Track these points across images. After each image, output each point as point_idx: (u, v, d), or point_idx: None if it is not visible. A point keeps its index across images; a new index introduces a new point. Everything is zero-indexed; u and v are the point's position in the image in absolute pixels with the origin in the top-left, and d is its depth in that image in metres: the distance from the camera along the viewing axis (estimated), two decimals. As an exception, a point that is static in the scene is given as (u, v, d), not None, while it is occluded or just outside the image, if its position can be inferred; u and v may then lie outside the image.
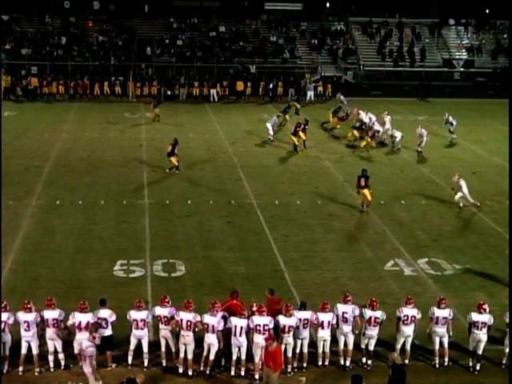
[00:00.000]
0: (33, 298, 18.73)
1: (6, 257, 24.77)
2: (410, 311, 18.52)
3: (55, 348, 17.99)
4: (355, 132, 43.82)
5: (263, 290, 19.94)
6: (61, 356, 18.06)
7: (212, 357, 18.03)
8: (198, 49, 68.65)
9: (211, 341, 17.95)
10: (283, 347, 17.80)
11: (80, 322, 17.84)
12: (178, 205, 31.57)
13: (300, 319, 18.18)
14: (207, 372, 18.01)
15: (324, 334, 18.41)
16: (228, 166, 38.23)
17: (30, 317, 17.78)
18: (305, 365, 18.35)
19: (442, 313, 18.58)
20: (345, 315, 18.45)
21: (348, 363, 18.55)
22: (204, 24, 72.43)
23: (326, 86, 63.46)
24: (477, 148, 43.82)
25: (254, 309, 18.16)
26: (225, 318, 18.10)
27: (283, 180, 35.60)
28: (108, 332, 18.13)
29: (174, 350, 18.31)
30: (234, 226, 29.25)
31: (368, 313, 18.44)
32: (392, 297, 22.12)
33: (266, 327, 17.71)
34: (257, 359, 17.84)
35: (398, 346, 18.65)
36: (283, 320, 17.98)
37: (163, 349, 18.36)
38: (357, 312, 18.49)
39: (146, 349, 18.30)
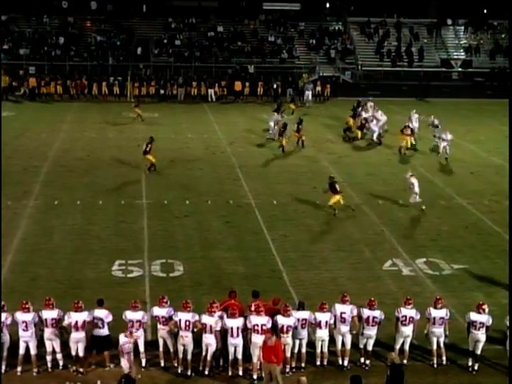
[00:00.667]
0: (31, 298, 18.73)
1: (4, 256, 24.77)
2: (408, 312, 18.51)
3: (53, 348, 17.98)
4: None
5: (262, 290, 19.91)
6: (59, 356, 18.05)
7: (209, 357, 18.04)
8: (196, 49, 68.68)
9: (209, 341, 17.95)
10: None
11: (76, 322, 17.83)
12: (177, 205, 31.56)
13: (298, 319, 18.19)
14: (206, 372, 18.01)
15: (322, 334, 18.42)
16: (226, 166, 38.22)
17: (28, 317, 17.76)
18: (303, 365, 18.34)
19: (438, 313, 18.59)
20: (343, 315, 18.44)
21: (346, 363, 18.55)
22: (202, 24, 72.45)
23: (325, 85, 63.51)
24: (475, 148, 43.82)
25: (252, 308, 18.19)
26: (222, 319, 18.11)
27: (281, 180, 35.61)
28: (105, 332, 18.12)
29: (172, 350, 18.31)
30: (232, 225, 29.24)
31: (366, 312, 18.45)
32: (390, 297, 22.13)
33: (264, 327, 17.71)
34: (255, 359, 17.84)
35: (397, 346, 18.64)
36: (281, 320, 17.97)
37: (161, 349, 18.36)
38: (355, 312, 18.48)
39: (142, 348, 18.30)
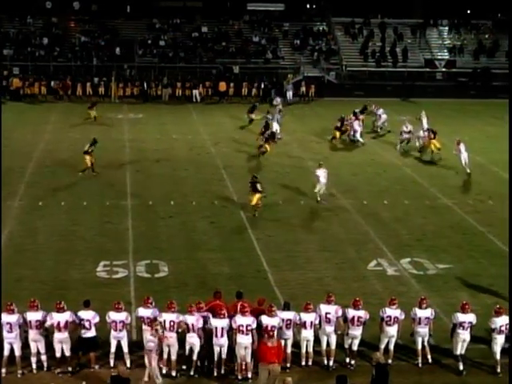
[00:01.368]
0: (16, 300, 18.64)
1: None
2: (393, 312, 18.55)
3: (38, 349, 17.93)
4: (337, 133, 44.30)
5: (247, 291, 19.93)
6: (43, 358, 18.00)
7: (195, 357, 18.05)
8: (181, 49, 68.53)
9: (193, 340, 17.97)
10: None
11: (58, 322, 17.80)
12: (162, 206, 31.53)
13: (283, 319, 18.19)
14: (191, 373, 18.02)
15: (307, 334, 18.44)
16: (211, 167, 38.19)
17: (13, 318, 17.70)
18: (288, 365, 18.33)
19: (423, 313, 18.65)
20: (328, 315, 18.47)
21: (331, 363, 18.58)
22: (187, 24, 72.28)
23: (309, 86, 63.48)
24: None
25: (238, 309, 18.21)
26: (205, 319, 18.10)
27: (266, 180, 35.48)
28: (91, 333, 18.09)
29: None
30: (217, 226, 29.24)
31: (351, 312, 18.48)
32: (375, 297, 22.18)
33: (249, 327, 17.72)
34: (239, 360, 17.85)
35: (382, 346, 18.69)
36: (266, 320, 17.97)
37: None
38: (340, 313, 18.51)
39: (126, 349, 18.31)
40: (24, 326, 17.87)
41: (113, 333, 18.15)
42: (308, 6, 78.92)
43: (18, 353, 17.83)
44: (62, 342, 17.86)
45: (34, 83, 60.45)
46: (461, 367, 18.45)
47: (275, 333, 17.81)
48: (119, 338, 18.14)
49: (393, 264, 25.46)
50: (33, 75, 61.97)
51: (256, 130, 43.79)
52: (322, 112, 55.42)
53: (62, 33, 69.50)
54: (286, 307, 18.68)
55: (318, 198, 32.04)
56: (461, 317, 18.46)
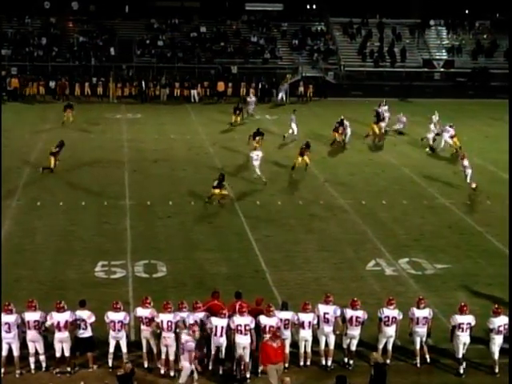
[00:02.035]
0: (14, 300, 18.63)
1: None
2: (390, 312, 18.56)
3: (36, 350, 17.93)
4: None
5: (245, 291, 19.91)
6: (42, 358, 18.00)
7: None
8: (179, 49, 68.59)
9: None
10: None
11: (58, 322, 17.80)
12: (160, 206, 31.53)
13: (281, 319, 18.19)
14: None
15: (305, 335, 18.44)
16: (209, 167, 38.13)
17: (11, 318, 17.69)
18: (287, 365, 18.28)
19: (421, 313, 18.64)
20: (326, 316, 18.47)
21: (330, 363, 18.59)
22: (185, 24, 72.36)
23: (307, 86, 63.46)
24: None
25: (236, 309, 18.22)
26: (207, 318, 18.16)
27: (264, 180, 35.56)
28: (88, 333, 18.09)
29: (155, 351, 18.30)
30: (215, 226, 29.25)
31: (349, 313, 18.48)
32: (373, 297, 22.18)
33: (248, 327, 17.73)
34: (238, 360, 17.85)
35: (380, 346, 18.69)
36: (264, 320, 17.99)
37: (145, 350, 18.37)
38: (338, 312, 18.51)
39: (124, 349, 18.31)
40: (22, 327, 17.86)
41: (111, 333, 18.14)
42: (307, 6, 78.86)
43: (16, 353, 17.82)
44: (62, 342, 17.87)
45: (32, 83, 60.41)
46: (461, 371, 18.43)
47: (280, 333, 17.84)
48: (118, 338, 18.14)
49: (391, 264, 25.47)
50: (31, 75, 61.94)
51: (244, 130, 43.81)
52: (320, 112, 55.39)
53: (60, 33, 69.53)
54: (284, 307, 18.68)
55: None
56: (459, 318, 18.42)
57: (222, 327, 17.88)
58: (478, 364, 18.81)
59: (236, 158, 40.15)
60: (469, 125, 51.58)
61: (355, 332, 18.54)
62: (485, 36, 74.28)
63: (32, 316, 17.83)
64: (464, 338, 18.38)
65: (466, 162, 34.79)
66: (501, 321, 18.36)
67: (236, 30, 72.47)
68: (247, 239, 27.76)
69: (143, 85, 61.56)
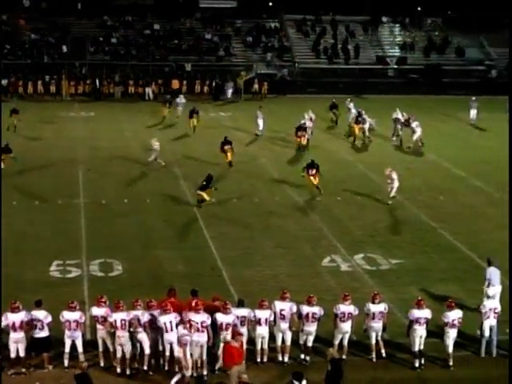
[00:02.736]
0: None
1: None
2: (346, 308, 18.67)
3: None
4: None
5: (202, 289, 19.89)
6: None
7: (147, 351, 18.04)
8: (133, 47, 68.15)
9: (139, 336, 18.01)
10: (221, 345, 17.83)
11: (14, 323, 17.66)
12: (115, 204, 31.38)
13: (238, 316, 18.23)
14: (144, 367, 18.05)
15: (262, 331, 18.49)
16: (163, 165, 37.88)
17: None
18: (243, 362, 18.38)
19: (377, 308, 18.79)
20: (282, 312, 18.53)
21: (286, 359, 18.67)
22: (138, 22, 71.90)
23: (262, 83, 63.59)
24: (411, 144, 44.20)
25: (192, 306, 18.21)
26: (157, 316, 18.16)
27: (220, 178, 35.50)
28: (44, 333, 17.96)
29: (111, 349, 18.23)
30: (171, 224, 29.18)
31: (305, 309, 18.56)
32: (330, 293, 22.28)
33: (204, 324, 17.75)
34: (195, 356, 17.85)
35: (336, 342, 18.81)
36: (221, 317, 18.01)
37: (101, 349, 18.30)
38: (294, 309, 18.58)
39: (80, 349, 18.22)
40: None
41: (67, 332, 18.03)
42: (260, 3, 78.84)
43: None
44: (17, 342, 17.72)
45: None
46: (416, 364, 18.63)
47: (242, 330, 17.94)
48: (73, 338, 18.04)
49: (346, 260, 25.64)
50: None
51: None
52: (275, 109, 55.40)
53: (11, 30, 68.67)
54: (241, 304, 18.72)
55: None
56: (417, 313, 18.60)
57: (171, 322, 17.83)
58: (434, 357, 19.00)
59: (191, 157, 40.00)
60: (424, 121, 51.91)
61: (311, 328, 18.63)
62: (436, 33, 74.97)
63: (-14, 317, 17.68)
64: (421, 331, 18.57)
65: (394, 175, 32.49)
66: (455, 314, 18.59)
67: (190, 28, 72.20)
68: (203, 237, 27.74)
69: (97, 82, 61.26)
